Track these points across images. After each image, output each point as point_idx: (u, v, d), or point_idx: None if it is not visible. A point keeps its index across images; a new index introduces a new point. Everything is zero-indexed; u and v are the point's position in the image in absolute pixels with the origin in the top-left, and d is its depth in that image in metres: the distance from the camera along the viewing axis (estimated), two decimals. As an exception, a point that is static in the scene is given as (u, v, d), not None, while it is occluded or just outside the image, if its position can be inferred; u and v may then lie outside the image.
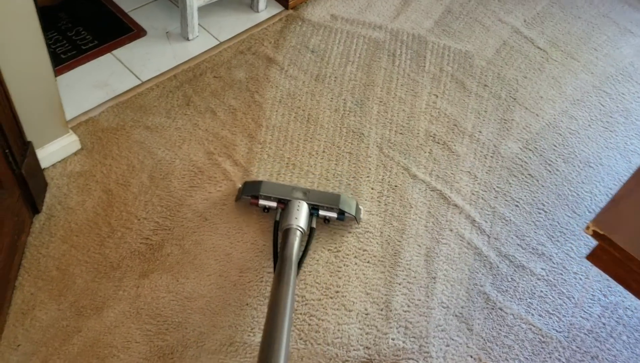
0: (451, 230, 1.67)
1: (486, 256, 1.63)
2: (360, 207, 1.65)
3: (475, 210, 1.72)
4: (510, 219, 1.72)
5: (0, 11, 1.25)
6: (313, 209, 1.57)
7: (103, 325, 1.37)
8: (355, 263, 1.56)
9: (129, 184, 1.62)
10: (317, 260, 1.55)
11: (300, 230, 1.49)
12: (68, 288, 1.41)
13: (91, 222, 1.53)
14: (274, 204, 1.57)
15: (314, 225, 1.56)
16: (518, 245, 1.67)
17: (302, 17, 2.20)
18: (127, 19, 2.03)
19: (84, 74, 1.85)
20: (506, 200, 1.77)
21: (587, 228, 0.83)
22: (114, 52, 1.92)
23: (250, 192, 1.58)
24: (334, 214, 1.58)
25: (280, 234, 1.52)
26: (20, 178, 1.38)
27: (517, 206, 1.76)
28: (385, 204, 1.70)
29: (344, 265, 1.55)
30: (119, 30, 1.98)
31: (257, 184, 1.59)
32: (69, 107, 1.72)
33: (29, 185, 1.42)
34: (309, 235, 1.54)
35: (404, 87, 2.02)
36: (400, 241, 1.62)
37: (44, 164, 1.57)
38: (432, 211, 1.70)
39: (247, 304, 1.44)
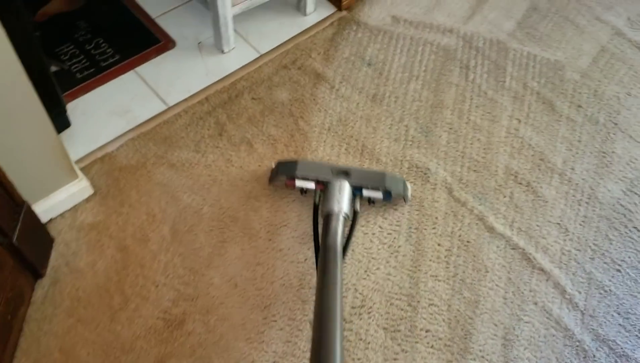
0: (536, 304, 1.35)
1: (579, 341, 1.30)
2: (408, 185, 1.49)
3: (567, 276, 1.39)
4: (610, 290, 1.38)
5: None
6: (356, 190, 1.42)
7: None
8: (416, 348, 1.27)
9: (147, 240, 1.37)
10: (369, 343, 1.27)
11: (344, 215, 1.33)
12: (71, 377, 1.19)
13: (102, 289, 1.30)
14: (312, 185, 1.42)
15: (357, 208, 1.40)
16: (620, 325, 1.33)
17: (358, 20, 1.86)
18: (153, 27, 1.75)
19: (103, 97, 1.60)
20: (605, 262, 1.42)
21: None
22: (138, 68, 1.65)
23: (285, 172, 1.43)
24: (379, 195, 1.43)
25: (321, 219, 1.37)
26: (13, 249, 1.15)
27: (619, 271, 1.41)
28: (455, 267, 1.39)
29: (402, 351, 1.27)
30: (145, 41, 1.71)
31: (292, 163, 1.44)
32: (83, 140, 1.48)
33: (25, 252, 1.19)
34: (353, 220, 1.39)
35: (480, 110, 1.68)
36: (472, 319, 1.32)
37: (50, 214, 1.35)
38: (512, 277, 1.38)
39: (282, 402, 1.19)
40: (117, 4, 1.79)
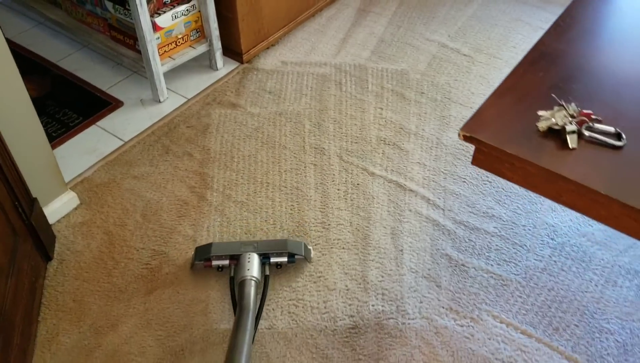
0: (410, 210, 1.91)
1: (444, 226, 1.86)
2: (310, 247, 1.76)
3: (429, 191, 1.97)
4: (460, 193, 1.96)
5: (3, 102, 1.54)
6: (264, 259, 1.68)
7: (120, 338, 1.57)
8: (333, 251, 1.78)
9: (125, 224, 1.86)
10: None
11: (254, 279, 1.60)
12: (85, 314, 1.62)
13: (97, 259, 1.76)
14: (226, 262, 1.68)
15: (267, 273, 1.67)
16: (470, 212, 1.90)
17: (257, 67, 2.52)
18: (105, 95, 2.34)
19: (75, 145, 2.13)
20: (454, 179, 2.02)
21: (459, 135, 1.08)
22: (98, 123, 2.21)
23: (202, 256, 1.68)
24: (284, 259, 1.69)
25: (236, 288, 1.62)
26: (31, 228, 1.62)
27: (464, 181, 2.01)
28: (352, 200, 1.94)
29: (322, 254, 1.78)
30: (100, 105, 2.28)
31: (207, 247, 1.70)
32: (65, 173, 1.98)
33: (40, 236, 1.66)
34: (265, 283, 1.66)
35: (353, 107, 2.32)
36: (368, 227, 1.85)
37: (50, 220, 1.81)
38: (391, 198, 1.95)
39: (242, 300, 1.65)
40: (75, 86, 2.37)
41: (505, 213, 1.90)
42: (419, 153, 2.12)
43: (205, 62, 2.50)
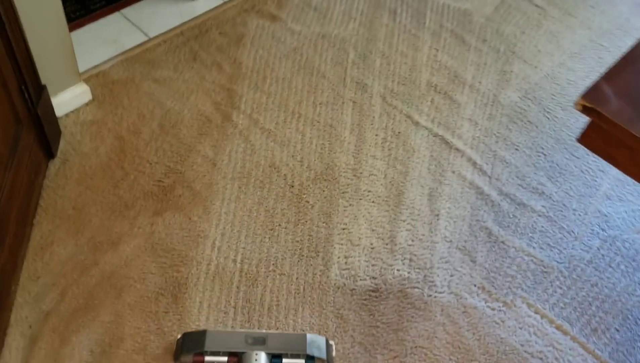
0: (453, 172, 1.72)
1: (487, 195, 1.67)
2: (332, 343, 1.32)
3: (477, 153, 1.77)
4: (510, 162, 1.77)
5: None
6: (275, 358, 1.25)
7: (119, 259, 1.42)
8: (361, 203, 1.61)
9: (139, 132, 1.67)
10: (327, 198, 1.60)
11: None
12: (84, 226, 1.46)
13: (105, 166, 1.58)
14: (224, 359, 1.24)
15: None
16: (519, 184, 1.72)
17: (304, -22, 2.24)
18: (133, -19, 2.08)
19: (93, 31, 1.90)
20: (506, 144, 1.81)
21: (577, 103, 0.88)
22: (122, 10, 1.97)
23: (192, 348, 1.23)
24: (301, 362, 1.26)
25: None
26: (36, 118, 1.43)
27: (517, 149, 1.81)
28: (389, 149, 1.75)
29: (350, 205, 1.60)
30: (126, -9, 2.03)
31: (200, 335, 1.24)
32: (79, 61, 1.76)
33: (44, 128, 1.47)
34: None
35: (405, 42, 2.07)
36: (403, 183, 1.67)
37: (57, 113, 1.62)
38: (434, 155, 1.75)
39: (258, 235, 1.50)
40: (100, -35, 2.11)
41: (556, 192, 1.71)
42: (472, 108, 1.90)
43: (249, -38, 2.22)
